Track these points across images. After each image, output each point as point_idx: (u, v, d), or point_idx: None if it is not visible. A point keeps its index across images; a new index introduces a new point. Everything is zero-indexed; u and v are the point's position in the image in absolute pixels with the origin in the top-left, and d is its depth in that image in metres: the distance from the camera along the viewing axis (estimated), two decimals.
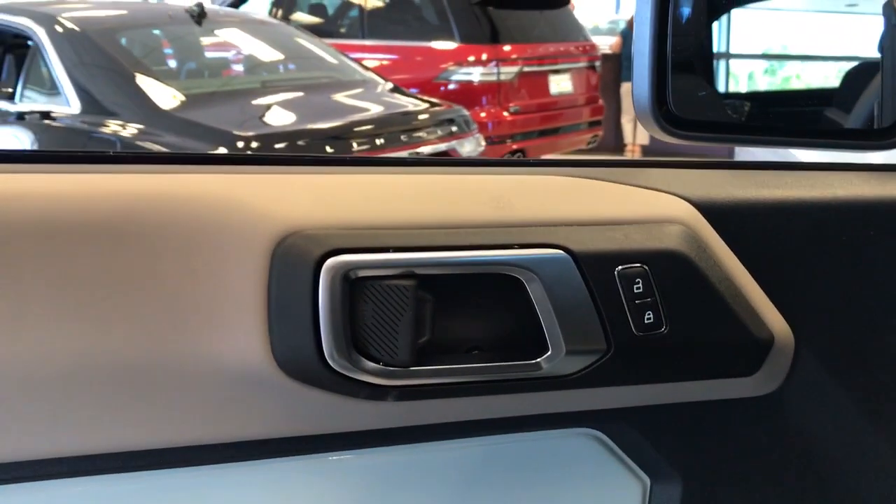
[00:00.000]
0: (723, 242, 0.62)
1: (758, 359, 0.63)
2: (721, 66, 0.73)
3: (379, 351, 0.53)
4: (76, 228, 0.50)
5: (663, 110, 0.68)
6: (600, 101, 6.44)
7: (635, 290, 0.57)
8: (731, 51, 0.72)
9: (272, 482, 0.60)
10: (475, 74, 5.69)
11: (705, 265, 0.59)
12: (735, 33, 0.70)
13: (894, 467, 0.75)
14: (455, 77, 5.67)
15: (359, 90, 3.93)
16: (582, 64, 6.41)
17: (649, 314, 0.57)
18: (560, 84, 6.15)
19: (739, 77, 0.75)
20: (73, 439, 0.52)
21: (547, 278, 0.55)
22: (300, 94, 3.80)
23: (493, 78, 5.72)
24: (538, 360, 0.57)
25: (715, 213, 0.62)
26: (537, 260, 0.55)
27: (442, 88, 5.52)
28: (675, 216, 0.60)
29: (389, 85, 4.17)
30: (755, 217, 0.64)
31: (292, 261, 0.51)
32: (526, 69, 5.85)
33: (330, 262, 0.51)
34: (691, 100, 0.71)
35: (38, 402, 0.50)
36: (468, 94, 5.50)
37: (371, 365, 0.53)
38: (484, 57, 5.73)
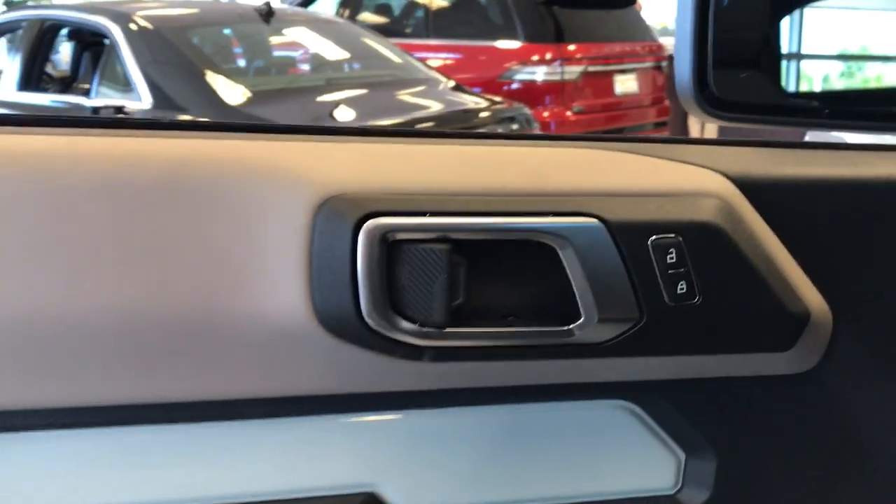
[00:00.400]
0: (759, 217, 0.62)
1: (793, 334, 0.63)
2: (764, 47, 0.73)
3: (414, 311, 0.55)
4: (134, 189, 0.53)
5: (705, 92, 0.69)
6: (666, 102, 6.35)
7: (668, 261, 0.58)
8: (775, 30, 0.72)
9: (306, 441, 0.63)
10: (539, 74, 5.68)
11: (740, 238, 0.60)
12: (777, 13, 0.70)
13: None
14: (518, 76, 5.68)
15: (421, 88, 3.98)
16: (648, 64, 6.34)
17: (682, 284, 0.58)
18: (625, 84, 6.10)
19: (784, 59, 0.75)
20: (124, 388, 0.55)
21: (580, 246, 0.57)
22: (364, 91, 3.87)
23: (557, 77, 5.70)
24: (570, 327, 0.58)
25: (752, 188, 0.63)
26: (571, 228, 0.57)
27: (505, 88, 5.53)
28: (710, 189, 0.61)
29: (451, 83, 4.20)
30: (794, 194, 0.64)
31: (333, 222, 0.54)
32: (590, 69, 5.82)
33: (368, 224, 0.54)
34: (733, 81, 0.71)
35: (93, 352, 0.54)
36: (532, 94, 5.50)
37: (407, 324, 0.56)
38: (548, 56, 5.72)
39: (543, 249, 0.57)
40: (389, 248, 0.54)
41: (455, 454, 0.67)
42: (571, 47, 5.82)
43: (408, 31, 6.37)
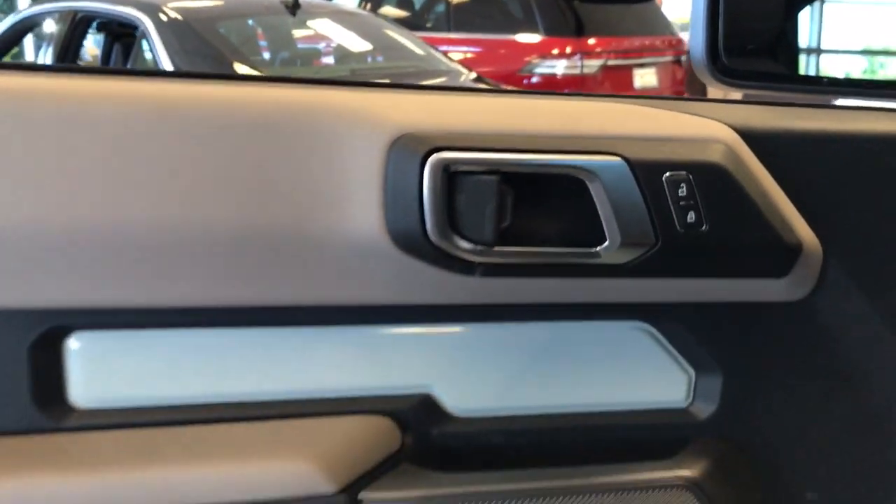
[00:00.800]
0: (758, 162, 0.73)
1: (788, 263, 0.74)
2: (773, 17, 0.84)
3: (469, 232, 0.67)
4: (242, 126, 0.65)
5: (717, 63, 0.80)
6: (686, 96, 6.42)
7: (680, 194, 0.69)
8: (778, 5, 0.83)
9: (374, 347, 0.75)
10: (559, 67, 5.77)
11: (741, 178, 0.71)
12: None
13: None
14: (538, 70, 5.76)
15: (443, 80, 4.08)
16: (667, 58, 6.40)
17: (691, 214, 0.69)
18: (644, 78, 6.16)
19: (792, 29, 0.84)
20: (222, 292, 0.67)
21: (606, 180, 0.68)
22: (387, 82, 3.97)
23: (577, 71, 5.78)
24: (597, 249, 0.70)
25: (752, 137, 0.73)
26: (599, 165, 0.68)
27: (525, 81, 5.62)
28: (717, 136, 0.72)
29: (473, 75, 4.30)
30: (788, 143, 0.75)
31: (404, 156, 0.65)
32: (610, 63, 5.89)
33: (433, 157, 0.65)
34: (741, 52, 0.82)
35: (201, 260, 0.66)
36: (551, 87, 5.59)
37: (463, 243, 0.67)
38: (568, 50, 5.81)
39: (575, 183, 0.68)
40: (450, 178, 0.66)
41: (497, 364, 0.79)
42: (591, 41, 5.91)
43: (429, 24, 6.48)
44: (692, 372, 0.83)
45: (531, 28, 6.01)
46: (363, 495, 0.70)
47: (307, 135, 0.66)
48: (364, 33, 4.42)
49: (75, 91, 0.63)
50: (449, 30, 6.41)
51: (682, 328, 0.81)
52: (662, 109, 0.74)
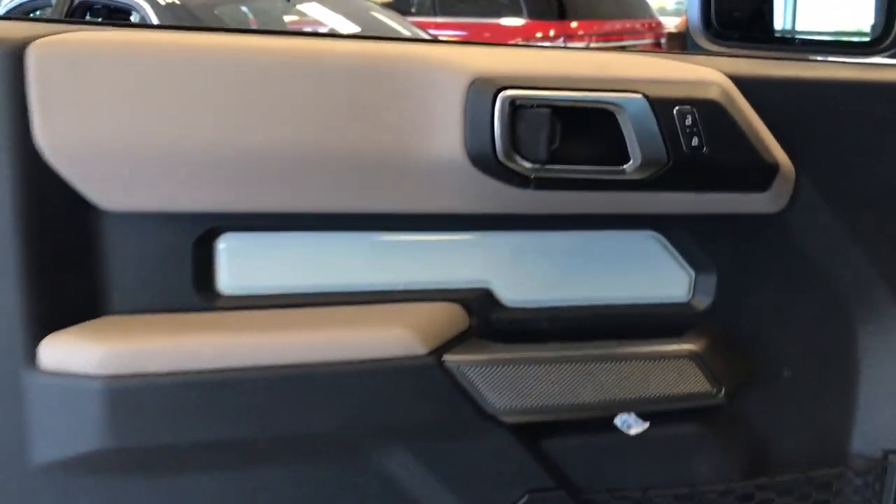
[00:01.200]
0: (745, 100, 0.94)
1: (767, 180, 0.96)
2: None
3: (527, 152, 0.88)
4: (355, 72, 0.85)
5: (710, 27, 1.02)
6: (690, 52, 6.62)
7: (686, 123, 0.90)
8: None
9: (448, 249, 0.96)
10: None
11: (733, 112, 0.92)
12: None
13: (872, 275, 1.06)
14: None
15: None
16: (647, 41, 6.63)
17: (695, 139, 0.90)
18: None
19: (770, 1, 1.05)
20: (337, 201, 0.88)
21: (630, 112, 0.89)
22: None
23: None
24: (624, 167, 0.91)
25: (741, 81, 0.94)
26: (625, 100, 0.88)
27: None
28: (714, 80, 0.93)
29: None
30: (770, 87, 0.96)
31: (478, 94, 0.86)
32: (592, 45, 6.10)
33: (501, 94, 0.86)
34: (731, 18, 1.04)
35: (323, 175, 0.86)
36: None
37: (523, 162, 0.88)
38: (551, 33, 6.02)
39: (607, 115, 0.89)
40: (514, 110, 0.86)
41: (541, 265, 1.00)
42: (574, 24, 6.12)
43: (414, 9, 6.66)
44: (693, 272, 1.05)
45: (515, 12, 6.21)
46: (445, 357, 0.92)
47: (405, 79, 0.86)
48: (354, 17, 4.58)
49: (243, 46, 0.83)
50: (434, 14, 6.59)
51: (686, 236, 1.02)
52: (672, 60, 0.95)
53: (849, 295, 1.07)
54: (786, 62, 1.01)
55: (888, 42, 1.05)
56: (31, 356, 0.82)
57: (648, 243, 1.03)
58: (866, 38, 1.07)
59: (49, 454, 0.84)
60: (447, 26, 6.43)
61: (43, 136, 0.78)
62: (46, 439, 0.83)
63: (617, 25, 6.46)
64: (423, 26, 5.38)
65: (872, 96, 1.00)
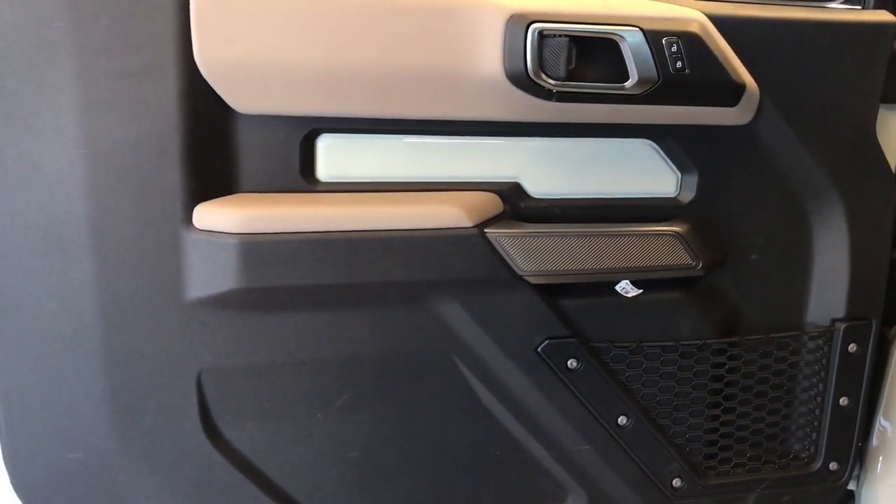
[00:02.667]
0: (719, 34, 1.22)
1: (736, 96, 1.23)
2: None
3: (551, 71, 1.16)
4: (422, 9, 1.14)
5: None
6: None
7: (672, 50, 1.18)
8: None
9: (487, 150, 1.25)
10: None
11: (708, 42, 1.19)
12: None
13: (822, 178, 1.34)
14: None
15: None
16: None
17: (679, 63, 1.18)
18: None
19: None
20: (410, 108, 1.17)
21: (630, 41, 1.17)
22: None
23: None
24: (625, 83, 1.19)
25: (717, 19, 1.22)
26: (626, 32, 1.16)
27: None
28: (694, 17, 1.20)
29: None
30: (738, 21, 1.24)
31: (515, 26, 1.14)
32: None
33: (532, 26, 1.13)
34: None
35: (398, 88, 1.15)
36: None
37: (548, 79, 1.16)
38: None
39: (612, 43, 1.17)
40: (541, 37, 1.15)
41: (560, 166, 1.29)
42: None
43: None
44: (679, 173, 1.33)
45: None
46: (486, 230, 1.21)
47: (460, 15, 1.15)
48: None
49: None
50: None
51: (674, 143, 1.31)
52: (663, 3, 1.23)
53: (804, 193, 1.36)
54: (753, 5, 1.29)
55: None
56: (188, 218, 1.13)
57: (644, 149, 1.31)
58: None
59: (199, 292, 1.15)
60: None
61: (200, 55, 1.08)
62: (197, 281, 1.14)
63: None
64: None
65: (820, 31, 1.27)
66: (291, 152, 1.18)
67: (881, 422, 1.56)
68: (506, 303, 1.26)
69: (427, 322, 1.24)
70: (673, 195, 1.34)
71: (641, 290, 1.32)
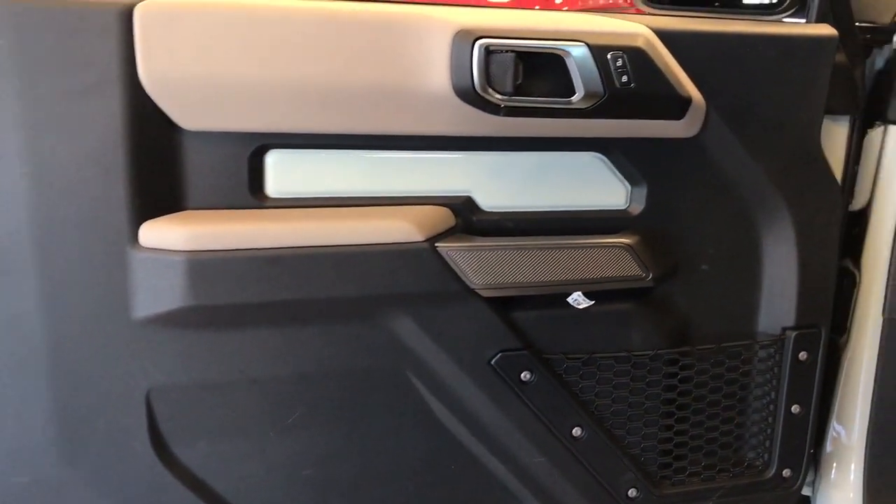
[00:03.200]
0: (665, 47, 1.24)
1: (682, 109, 1.25)
2: None
3: (498, 86, 1.17)
4: (370, 24, 1.14)
5: None
6: (624, 12, 6.87)
7: (618, 64, 1.19)
8: None
9: (436, 164, 1.26)
10: None
11: (654, 56, 1.21)
12: None
13: (769, 190, 1.36)
14: None
15: None
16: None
17: (625, 77, 1.20)
18: None
19: None
20: (355, 123, 1.17)
21: (576, 56, 1.18)
22: None
23: None
24: (571, 98, 1.20)
25: (663, 34, 1.24)
26: (571, 47, 1.18)
27: None
28: (640, 32, 1.22)
29: None
30: (686, 37, 1.26)
31: (461, 42, 1.15)
32: None
33: (478, 42, 1.14)
34: None
35: (344, 103, 1.15)
36: None
37: (495, 94, 1.17)
38: (536, 8, 6.26)
39: (559, 59, 1.19)
40: (488, 54, 1.15)
41: (510, 179, 1.30)
42: (559, 0, 6.37)
43: None
44: (629, 186, 1.35)
45: None
46: (437, 244, 1.22)
47: (407, 31, 1.15)
48: None
49: (289, 7, 1.12)
50: None
51: (622, 156, 1.32)
52: (610, 17, 1.25)
53: (752, 203, 1.38)
54: (700, 19, 1.31)
55: (785, 4, 1.35)
56: (135, 237, 1.12)
57: (594, 162, 1.33)
58: (772, 1, 1.37)
59: (146, 311, 1.14)
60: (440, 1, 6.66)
61: (144, 74, 1.07)
62: (145, 300, 1.13)
63: (600, 1, 6.71)
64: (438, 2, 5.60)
65: (765, 45, 1.30)
66: (239, 168, 1.18)
67: (835, 427, 1.59)
68: (458, 316, 1.26)
69: (379, 337, 1.24)
70: (623, 207, 1.36)
71: (593, 302, 1.33)
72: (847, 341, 1.56)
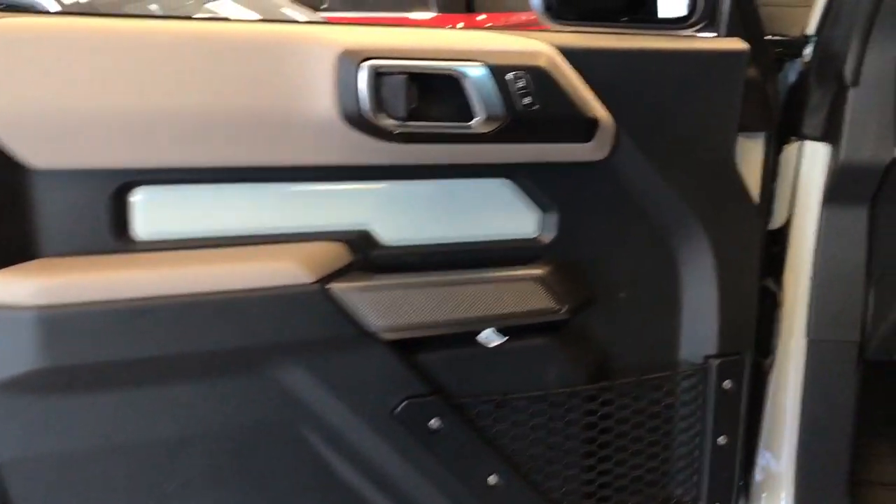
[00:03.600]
0: (570, 66, 1.15)
1: (590, 132, 1.17)
2: None
3: (391, 110, 1.07)
4: (244, 46, 1.03)
5: (550, 8, 1.23)
6: (526, 30, 6.91)
7: (520, 85, 1.11)
8: None
9: (328, 196, 1.15)
10: None
11: (557, 76, 1.13)
12: None
13: (684, 212, 1.29)
14: None
15: None
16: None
17: (528, 98, 1.11)
18: None
19: None
20: (232, 155, 1.05)
21: (472, 77, 1.09)
22: None
23: None
24: (470, 122, 1.11)
25: (567, 51, 1.16)
26: (469, 68, 1.09)
27: None
28: (542, 51, 1.14)
29: None
30: (591, 55, 1.18)
31: (347, 63, 1.04)
32: None
33: (366, 63, 1.04)
34: (566, 1, 1.25)
35: (217, 135, 1.03)
36: None
37: (387, 119, 1.07)
38: (460, 26, 6.24)
39: (455, 81, 1.09)
40: (377, 77, 1.05)
41: (411, 210, 1.19)
42: (481, 17, 6.36)
43: (325, 5, 6.77)
44: (539, 213, 1.26)
45: (424, 5, 6.40)
46: (330, 285, 1.10)
47: (287, 53, 1.04)
48: (262, 11, 4.70)
49: (150, 28, 1.00)
50: (345, 9, 6.73)
51: (531, 182, 1.23)
52: (510, 35, 1.16)
53: (668, 227, 1.31)
54: (606, 35, 1.23)
55: (695, 18, 1.29)
56: None
57: (501, 189, 1.24)
58: (682, 15, 1.30)
59: None
60: (358, 21, 6.57)
61: None
62: None
63: (523, 17, 6.72)
64: (334, 21, 5.51)
65: (674, 61, 1.23)
66: (99, 209, 1.04)
67: (764, 454, 1.53)
68: (356, 363, 1.15)
69: (268, 391, 1.12)
70: (534, 236, 1.27)
71: (506, 339, 1.23)
72: (772, 364, 1.51)
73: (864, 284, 1.41)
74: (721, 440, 1.40)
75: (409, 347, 1.18)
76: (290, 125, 1.06)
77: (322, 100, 1.05)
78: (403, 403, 1.18)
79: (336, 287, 1.11)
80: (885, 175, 1.34)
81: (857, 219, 1.39)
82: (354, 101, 1.05)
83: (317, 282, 1.10)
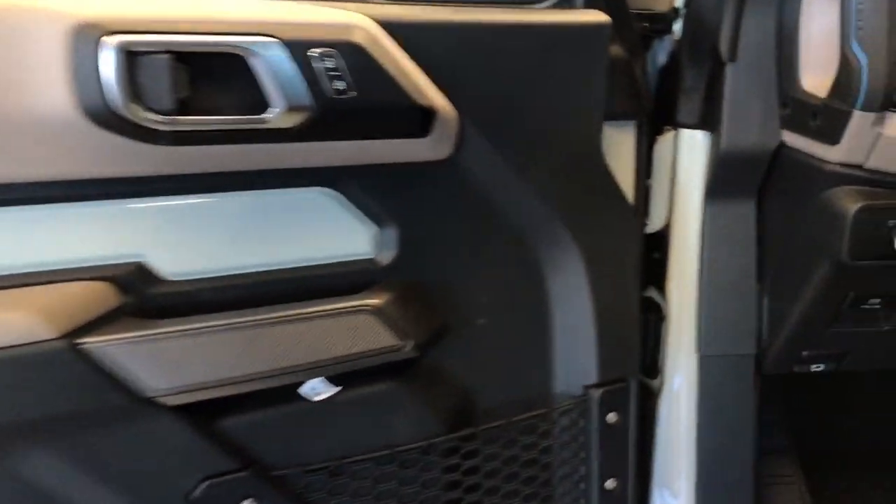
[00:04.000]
0: (394, 43, 0.91)
1: (426, 124, 0.94)
2: None
3: (152, 103, 0.80)
4: None
5: None
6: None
7: (327, 65, 0.86)
8: None
9: (81, 221, 0.86)
10: None
11: (379, 55, 0.89)
12: None
13: (549, 216, 1.08)
14: None
15: None
16: None
17: (341, 83, 0.87)
18: None
19: None
20: None
21: (262, 56, 0.83)
22: None
23: None
24: (263, 115, 0.85)
25: (391, 25, 0.92)
26: (255, 42, 0.83)
27: None
28: (359, 24, 0.89)
29: None
30: (423, 31, 0.95)
31: (83, 40, 0.77)
32: None
33: (109, 39, 0.77)
34: None
35: None
36: None
37: (147, 113, 0.80)
38: None
39: (239, 59, 0.83)
40: (128, 57, 0.78)
41: (201, 232, 0.93)
42: None
43: None
44: (373, 228, 1.01)
45: None
46: (81, 339, 0.82)
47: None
48: None
49: None
50: None
51: (359, 190, 0.99)
52: (313, 5, 0.91)
53: (531, 236, 1.09)
54: (441, 7, 1.00)
55: None
56: None
57: (322, 200, 0.98)
58: None
59: None
60: None
61: None
62: None
63: None
64: None
65: (523, 37, 1.01)
66: None
67: (660, 494, 1.33)
68: (132, 441, 0.87)
69: (4, 486, 0.82)
70: (368, 256, 1.02)
71: (338, 388, 0.98)
72: (661, 386, 1.31)
73: (757, 289, 1.23)
74: (609, 484, 1.19)
75: (206, 412, 0.91)
76: (7, 128, 0.77)
77: (52, 91, 0.77)
78: (203, 485, 0.91)
79: (91, 342, 0.83)
80: (773, 163, 1.16)
81: (744, 215, 1.21)
82: (97, 90, 0.78)
83: (63, 336, 0.81)
